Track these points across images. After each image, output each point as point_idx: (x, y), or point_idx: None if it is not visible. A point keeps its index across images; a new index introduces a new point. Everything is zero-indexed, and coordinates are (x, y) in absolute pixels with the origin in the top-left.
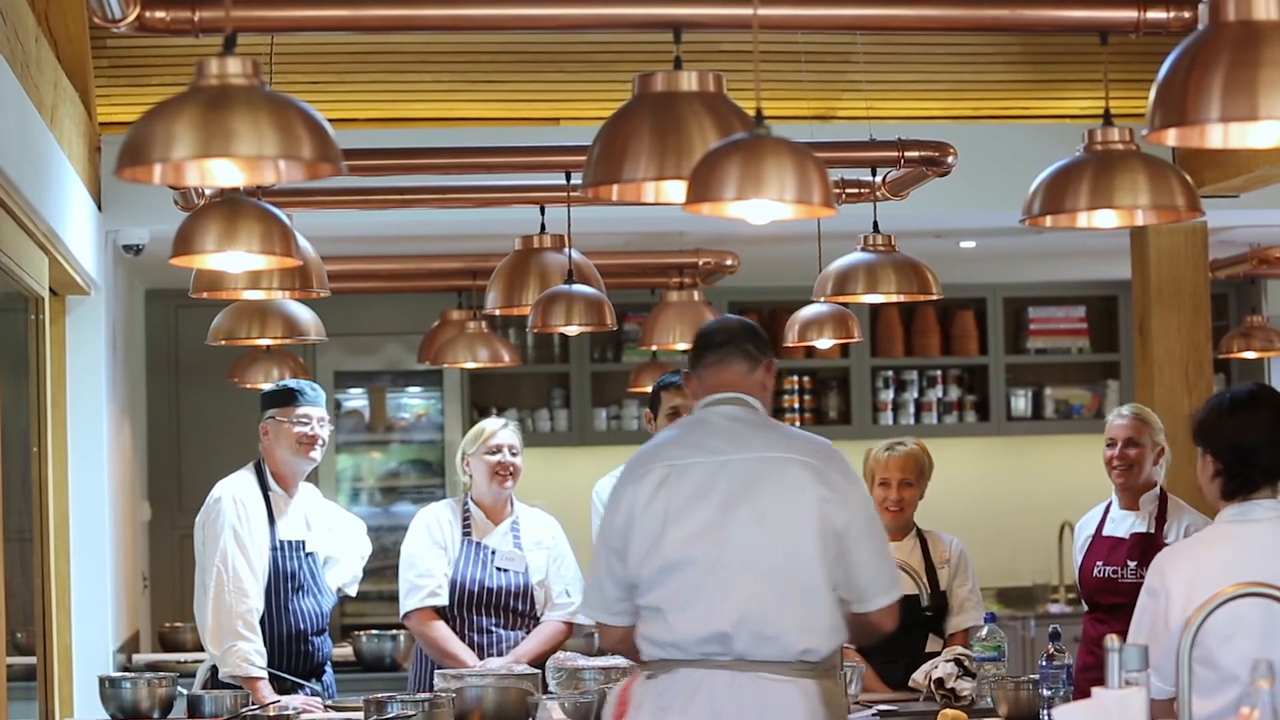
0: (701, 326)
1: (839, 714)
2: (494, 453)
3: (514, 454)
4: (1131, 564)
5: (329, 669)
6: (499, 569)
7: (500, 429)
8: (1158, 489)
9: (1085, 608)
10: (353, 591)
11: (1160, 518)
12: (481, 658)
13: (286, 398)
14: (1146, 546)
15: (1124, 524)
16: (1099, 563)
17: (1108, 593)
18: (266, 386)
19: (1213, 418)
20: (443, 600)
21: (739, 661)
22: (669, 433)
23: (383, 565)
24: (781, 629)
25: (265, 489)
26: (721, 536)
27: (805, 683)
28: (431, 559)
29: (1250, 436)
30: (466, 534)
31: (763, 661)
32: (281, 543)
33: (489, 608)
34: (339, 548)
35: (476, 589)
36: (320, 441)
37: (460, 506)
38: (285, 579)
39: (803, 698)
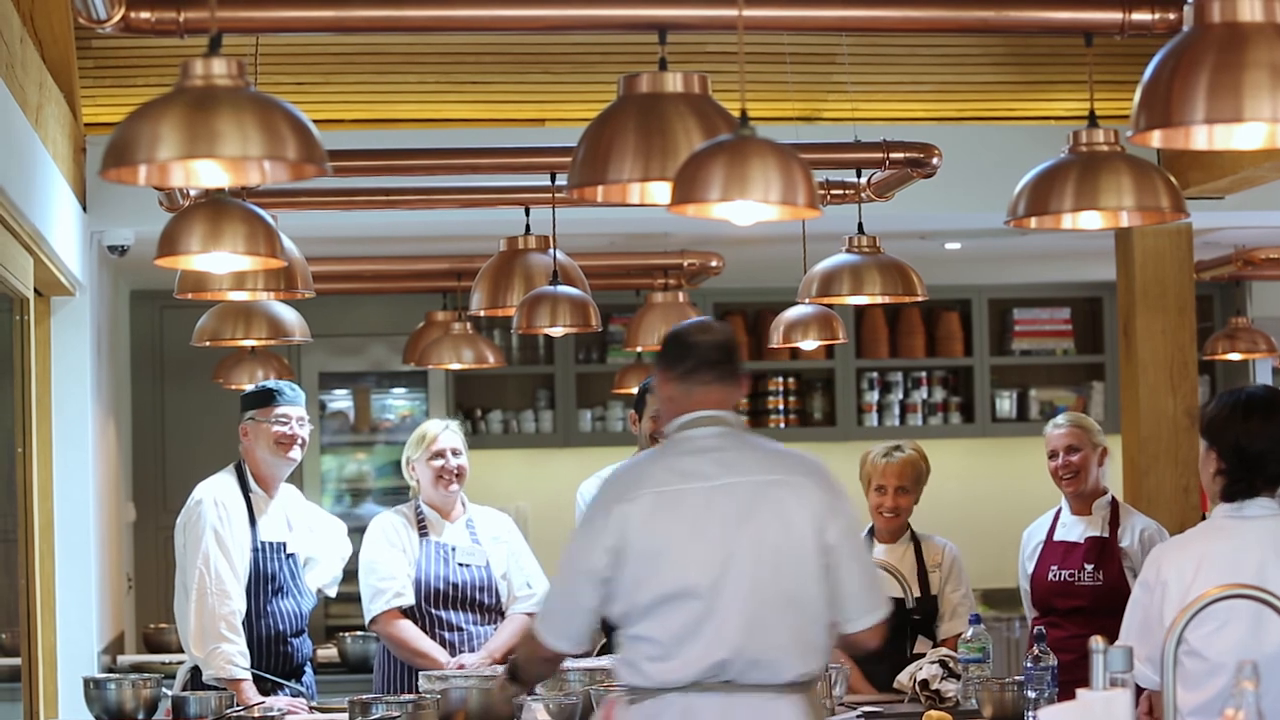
0: (687, 333)
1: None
2: (437, 458)
3: (457, 455)
4: (1089, 567)
5: (309, 670)
6: (461, 564)
7: (442, 432)
8: (1109, 495)
9: (1032, 614)
10: (332, 593)
11: (1113, 522)
12: (453, 655)
13: (265, 398)
14: (1102, 550)
15: (1076, 529)
16: (1053, 566)
17: (1064, 596)
18: (247, 388)
19: (1224, 415)
20: (408, 600)
21: (729, 685)
22: (651, 456)
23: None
24: (779, 655)
25: (246, 490)
26: (720, 566)
27: (794, 698)
28: (392, 562)
29: (1259, 443)
30: (423, 534)
31: (754, 685)
32: (262, 544)
33: (457, 603)
34: (320, 549)
35: (442, 585)
36: (300, 441)
37: (413, 510)
38: (265, 580)
39: (791, 712)
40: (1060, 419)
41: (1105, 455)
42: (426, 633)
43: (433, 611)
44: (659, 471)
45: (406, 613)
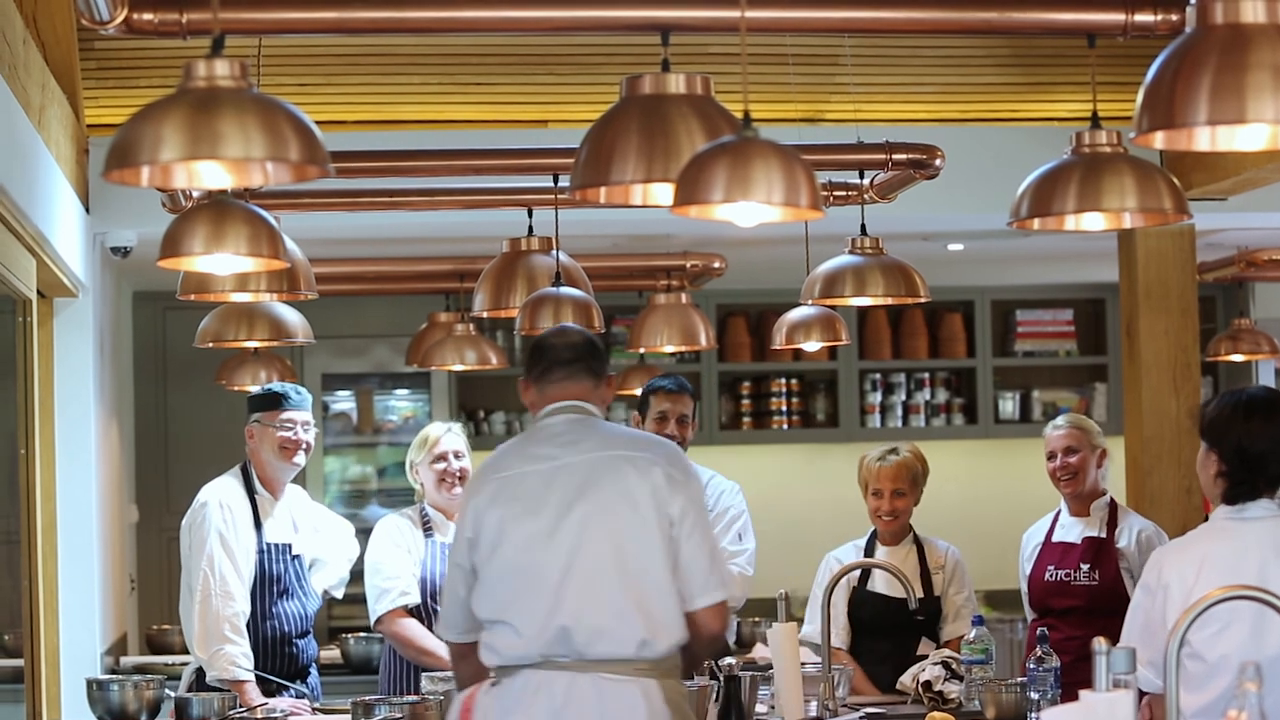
0: (544, 338)
1: (683, 714)
2: (440, 460)
3: (459, 458)
4: (1084, 566)
5: (314, 671)
6: None
7: (444, 434)
8: (1108, 497)
9: (1032, 615)
10: (339, 594)
11: (1111, 523)
12: None
13: (271, 402)
14: (1099, 550)
15: (1074, 530)
16: (1050, 566)
17: (1060, 595)
18: (254, 389)
19: (1225, 416)
20: (413, 599)
21: (579, 662)
22: (508, 444)
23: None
24: (619, 622)
25: (251, 492)
26: (558, 539)
27: (646, 682)
28: (397, 562)
29: (1260, 444)
30: (429, 535)
31: (602, 660)
32: (268, 545)
33: None
34: (326, 550)
35: None
36: (304, 446)
37: (418, 513)
38: (270, 582)
39: (644, 697)
40: (1059, 420)
41: (1104, 457)
42: (432, 631)
43: (438, 609)
44: (509, 458)
45: (412, 612)
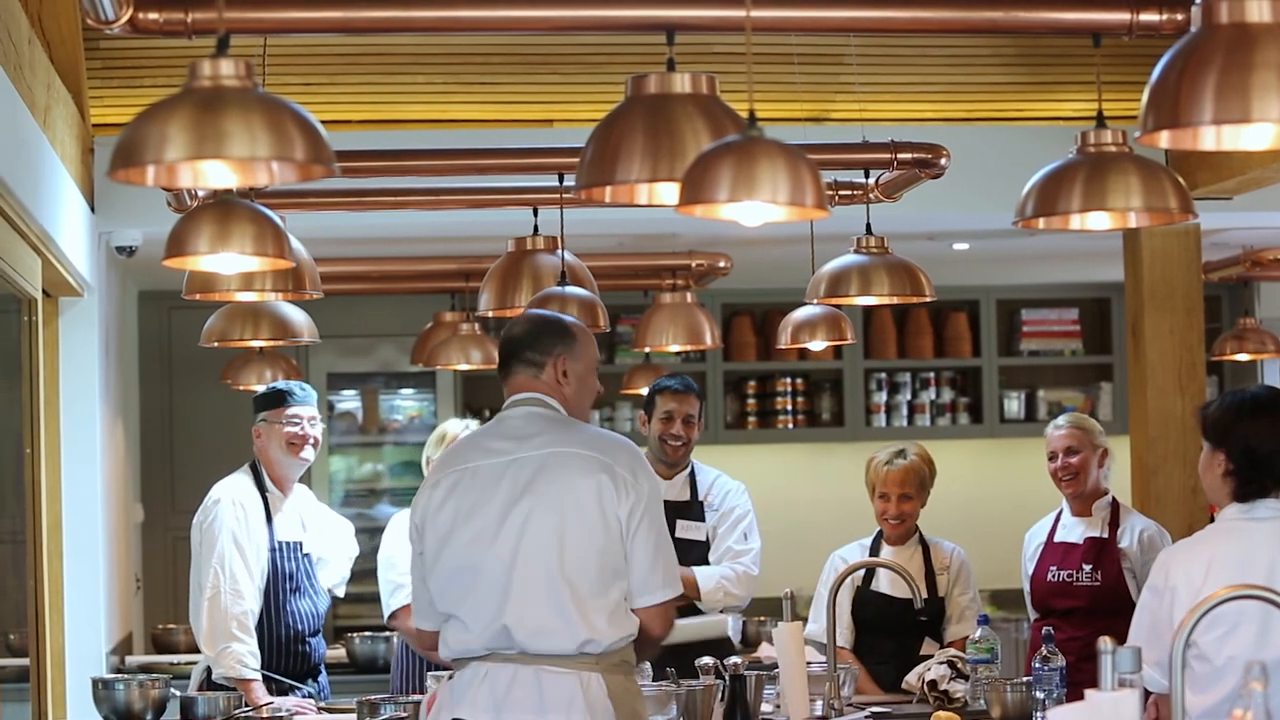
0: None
1: (629, 710)
2: None
3: None
4: (1086, 567)
5: (324, 670)
6: None
7: (462, 432)
8: (1110, 497)
9: (1034, 615)
10: (340, 593)
11: (1113, 523)
12: None
13: (276, 399)
14: (1100, 550)
15: (1076, 530)
16: (1052, 567)
17: (1061, 596)
18: (259, 389)
19: (1230, 416)
20: None
21: (522, 655)
22: (470, 435)
23: (375, 567)
24: (559, 622)
25: (262, 490)
26: (502, 536)
27: (588, 675)
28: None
29: (1269, 443)
30: None
31: (545, 655)
32: (280, 543)
33: None
34: (329, 548)
35: None
36: (311, 440)
37: None
38: (283, 580)
39: (581, 688)
40: (1060, 420)
41: (1106, 456)
42: None
43: None
44: (467, 450)
45: None
